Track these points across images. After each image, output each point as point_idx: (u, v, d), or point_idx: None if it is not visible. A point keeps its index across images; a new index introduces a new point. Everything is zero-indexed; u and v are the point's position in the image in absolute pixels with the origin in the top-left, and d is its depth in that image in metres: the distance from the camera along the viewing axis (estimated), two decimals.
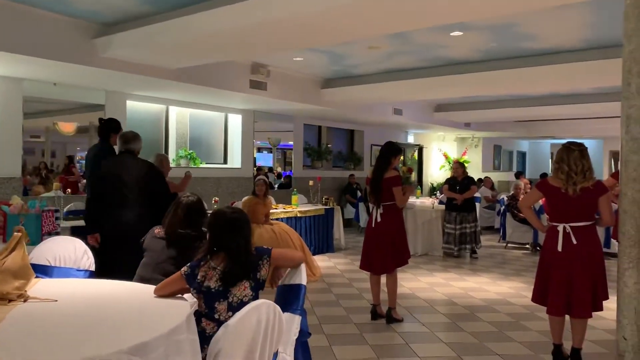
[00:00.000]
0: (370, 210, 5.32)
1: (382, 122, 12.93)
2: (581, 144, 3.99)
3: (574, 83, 8.77)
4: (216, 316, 2.52)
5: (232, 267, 2.53)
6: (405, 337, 4.70)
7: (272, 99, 8.93)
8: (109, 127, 5.31)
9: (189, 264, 2.62)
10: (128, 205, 4.45)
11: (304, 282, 2.59)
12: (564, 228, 3.90)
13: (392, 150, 5.24)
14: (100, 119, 5.50)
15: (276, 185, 12.62)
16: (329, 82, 9.68)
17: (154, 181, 4.64)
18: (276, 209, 8.23)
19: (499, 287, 6.71)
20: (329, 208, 9.19)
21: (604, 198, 3.90)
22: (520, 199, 9.10)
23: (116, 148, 5.10)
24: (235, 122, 10.56)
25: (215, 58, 6.84)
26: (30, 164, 8.51)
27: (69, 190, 8.19)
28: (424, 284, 6.87)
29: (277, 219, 7.72)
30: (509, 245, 10.08)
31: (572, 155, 3.90)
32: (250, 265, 2.57)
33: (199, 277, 2.54)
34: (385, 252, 5.10)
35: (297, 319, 2.51)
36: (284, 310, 2.53)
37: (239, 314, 1.80)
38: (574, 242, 3.87)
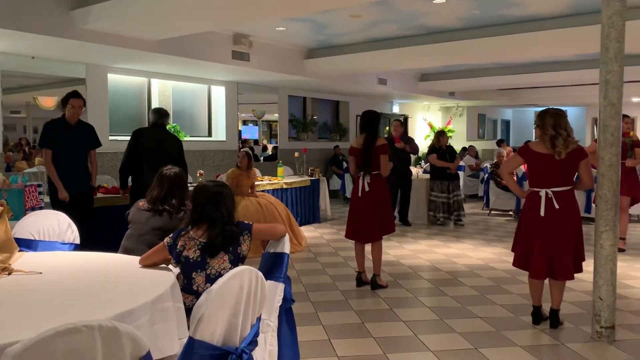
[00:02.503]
0: (357, 179, 5.29)
1: (367, 92, 12.90)
2: (561, 109, 4.04)
3: (557, 50, 8.79)
4: (194, 287, 2.56)
5: (213, 237, 2.56)
6: (390, 302, 4.80)
7: (255, 69, 8.86)
8: (64, 101, 5.20)
9: (171, 235, 2.66)
10: None
11: (286, 250, 2.63)
12: (546, 193, 3.97)
13: (376, 117, 5.30)
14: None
15: (262, 158, 12.62)
16: (312, 52, 9.61)
17: (181, 153, 5.58)
18: (262, 181, 8.25)
19: (482, 253, 6.84)
20: (315, 179, 9.22)
21: (585, 162, 3.97)
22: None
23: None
24: (219, 94, 10.47)
25: (195, 28, 6.73)
26: (12, 141, 8.42)
27: None
28: (408, 251, 6.98)
29: (263, 191, 7.74)
30: (492, 212, 10.23)
31: (561, 120, 3.94)
32: (231, 237, 2.60)
33: (178, 247, 2.58)
34: (374, 220, 5.15)
35: (281, 286, 2.56)
36: (268, 278, 2.58)
37: (221, 280, 1.83)
38: (556, 206, 3.94)
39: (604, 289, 3.88)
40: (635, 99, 16.81)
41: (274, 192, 8.11)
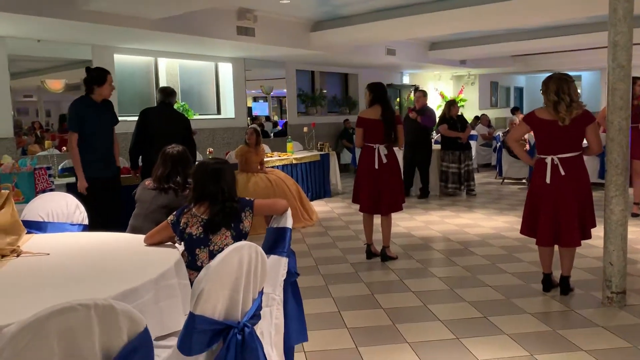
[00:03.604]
0: (368, 151, 5.21)
1: (376, 63, 12.74)
2: (567, 74, 3.95)
3: (569, 13, 8.55)
4: (199, 264, 2.58)
5: (214, 214, 2.57)
6: (399, 273, 4.82)
7: (261, 45, 8.78)
8: (90, 78, 4.78)
9: (174, 212, 2.67)
10: None
11: (289, 225, 2.64)
12: (552, 160, 3.92)
13: (385, 88, 5.29)
14: (87, 68, 5.02)
15: (272, 134, 12.60)
16: (318, 25, 9.48)
17: (190, 132, 5.62)
18: (271, 157, 8.25)
19: (494, 222, 6.81)
20: (325, 154, 9.20)
21: (592, 127, 3.90)
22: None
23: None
24: (226, 71, 10.42)
25: (198, 4, 6.67)
26: (26, 124, 8.52)
27: (64, 148, 8.22)
28: (419, 222, 6.97)
29: (272, 167, 7.74)
30: (505, 181, 10.15)
31: (572, 85, 3.87)
32: (232, 213, 2.61)
33: (181, 224, 2.60)
34: (395, 190, 5.16)
35: (284, 260, 2.57)
36: (271, 252, 2.60)
37: (220, 255, 1.84)
38: (562, 173, 3.89)
39: (614, 254, 3.84)
40: None
41: (283, 167, 8.11)
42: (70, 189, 5.53)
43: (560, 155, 3.90)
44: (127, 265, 2.46)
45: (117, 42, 8.06)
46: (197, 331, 1.79)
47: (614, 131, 3.78)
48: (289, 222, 2.65)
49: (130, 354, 1.44)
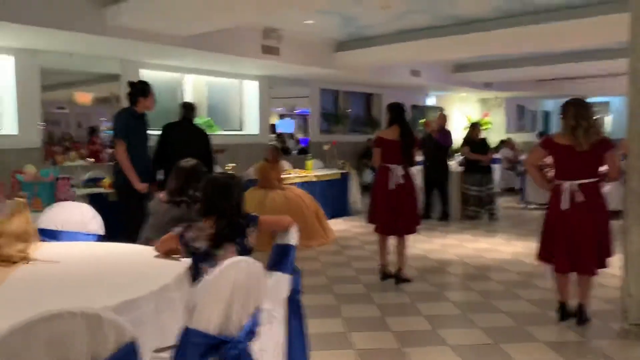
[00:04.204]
0: (384, 171, 5.19)
1: (399, 84, 12.76)
2: (584, 100, 3.90)
3: (592, 39, 8.46)
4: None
5: (221, 228, 2.59)
6: (412, 296, 4.76)
7: (285, 63, 8.89)
8: (135, 91, 5.04)
9: (182, 225, 2.70)
10: None
11: (293, 242, 2.64)
12: (570, 185, 3.85)
13: (404, 109, 5.37)
14: (129, 82, 5.26)
15: (295, 151, 12.67)
16: (342, 45, 9.56)
17: (209, 147, 5.71)
18: (290, 174, 8.29)
19: (513, 247, 6.70)
20: (345, 172, 9.21)
21: (610, 153, 3.83)
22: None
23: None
24: (252, 88, 10.56)
25: (225, 21, 6.79)
26: (57, 135, 8.77)
27: (92, 159, 8.40)
28: (436, 245, 6.90)
29: (292, 184, 7.78)
30: (528, 206, 9.98)
31: (583, 110, 3.82)
32: (238, 228, 2.63)
33: (187, 238, 2.62)
34: (411, 212, 5.16)
35: (287, 277, 2.57)
36: (274, 269, 2.60)
37: (216, 270, 1.85)
38: (580, 199, 3.82)
39: (632, 285, 3.74)
40: None
41: (303, 185, 8.13)
42: (93, 200, 5.66)
43: (578, 181, 3.84)
44: (132, 275, 2.49)
45: (144, 57, 8.26)
46: (191, 344, 1.80)
47: (634, 158, 3.70)
48: (293, 239, 2.65)
49: None
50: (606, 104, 20.29)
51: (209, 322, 1.84)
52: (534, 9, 7.34)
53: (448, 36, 8.33)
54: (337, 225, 8.17)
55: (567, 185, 3.86)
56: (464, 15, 7.75)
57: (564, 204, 3.86)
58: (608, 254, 3.91)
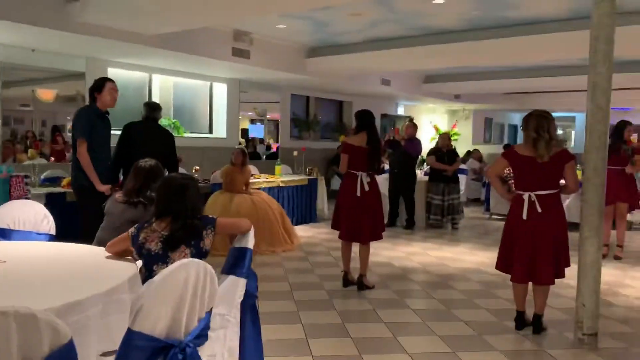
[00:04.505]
0: (350, 178, 5.16)
1: (370, 92, 12.84)
2: (547, 112, 3.97)
3: (561, 53, 8.67)
4: None
5: (175, 230, 2.53)
6: (374, 303, 4.75)
7: (255, 67, 8.83)
8: (92, 88, 4.87)
9: (135, 225, 2.63)
10: None
11: (250, 246, 2.60)
12: (529, 196, 3.91)
13: (372, 116, 5.31)
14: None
15: (264, 156, 12.61)
16: (314, 51, 9.57)
17: (173, 148, 5.55)
18: (258, 178, 8.23)
19: (476, 257, 6.76)
20: (313, 178, 9.18)
21: (570, 165, 3.91)
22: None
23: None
24: (221, 91, 10.47)
25: (194, 22, 6.73)
26: (20, 133, 8.53)
27: (52, 158, 8.19)
28: (400, 253, 6.92)
29: (259, 189, 7.71)
30: (492, 216, 10.12)
31: (551, 123, 3.89)
32: (193, 230, 2.57)
33: (140, 239, 2.55)
34: (376, 218, 5.17)
35: (242, 281, 2.53)
36: (230, 273, 2.55)
37: (164, 272, 1.80)
38: (539, 210, 3.88)
39: (586, 295, 3.81)
40: None
41: (270, 190, 8.08)
42: (50, 199, 5.51)
43: (537, 192, 3.89)
44: (79, 276, 2.42)
45: (111, 56, 8.10)
46: (134, 348, 1.74)
47: (590, 171, 3.78)
48: (250, 242, 2.61)
49: None
50: (572, 118, 20.81)
51: (155, 325, 1.78)
52: (502, 23, 7.47)
53: (418, 46, 8.41)
54: (304, 231, 8.14)
55: (526, 195, 3.91)
56: (434, 26, 7.85)
57: (524, 214, 3.91)
58: (565, 264, 3.97)
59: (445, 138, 9.08)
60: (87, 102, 5.20)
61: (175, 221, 2.56)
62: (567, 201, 8.10)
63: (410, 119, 9.82)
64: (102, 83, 4.83)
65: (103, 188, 4.68)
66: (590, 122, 3.77)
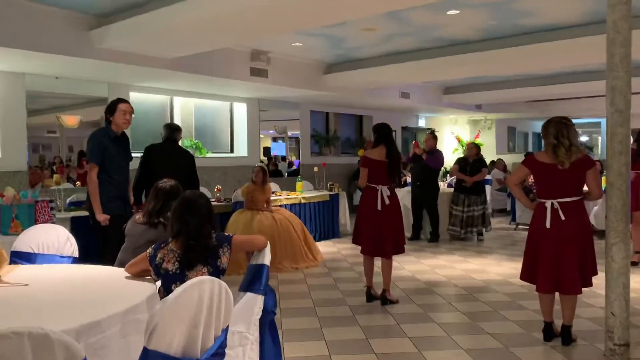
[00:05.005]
0: (371, 192, 5.13)
1: (389, 106, 12.83)
2: (567, 118, 3.91)
3: (579, 59, 8.55)
4: None
5: (190, 249, 2.55)
6: (398, 318, 4.69)
7: (274, 85, 8.93)
8: (106, 109, 4.76)
9: (153, 246, 2.66)
10: None
11: (266, 262, 2.60)
12: (552, 204, 3.84)
13: (390, 129, 5.30)
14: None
15: (286, 173, 12.67)
16: (331, 67, 9.63)
17: (194, 169, 5.66)
18: (279, 195, 8.25)
19: (502, 268, 6.64)
20: (334, 194, 9.18)
21: (592, 171, 3.83)
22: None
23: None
24: (241, 110, 10.59)
25: (211, 44, 6.84)
26: (48, 159, 8.77)
27: (79, 182, 8.36)
28: (425, 266, 6.84)
29: (280, 206, 7.74)
30: (519, 227, 9.95)
31: (571, 129, 3.83)
32: (209, 250, 2.58)
33: (157, 259, 2.57)
34: (397, 232, 5.15)
35: (260, 298, 2.52)
36: (247, 290, 2.55)
37: (178, 290, 1.81)
38: (562, 218, 3.80)
39: (616, 304, 3.69)
40: None
41: (291, 207, 8.10)
42: (76, 222, 5.61)
43: (560, 200, 3.82)
44: (98, 297, 2.44)
45: (132, 80, 8.28)
46: None
47: (614, 176, 3.69)
48: (267, 259, 2.61)
49: None
50: (597, 124, 20.44)
51: (171, 343, 1.79)
52: (518, 31, 7.42)
53: (435, 58, 8.40)
54: (326, 247, 8.11)
55: (549, 203, 3.84)
56: (449, 37, 7.83)
57: (547, 223, 3.83)
58: (592, 272, 3.87)
59: (470, 147, 9.00)
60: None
61: (189, 240, 2.57)
62: (595, 208, 7.93)
63: (432, 131, 9.76)
64: (113, 105, 4.68)
65: (102, 218, 4.50)
66: (610, 126, 3.69)
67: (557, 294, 3.94)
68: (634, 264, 6.44)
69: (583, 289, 3.86)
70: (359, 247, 5.26)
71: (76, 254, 3.50)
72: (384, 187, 5.09)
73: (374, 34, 7.51)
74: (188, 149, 6.80)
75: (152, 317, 1.75)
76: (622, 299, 3.67)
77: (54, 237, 3.50)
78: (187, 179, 5.26)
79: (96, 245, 4.65)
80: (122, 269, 2.91)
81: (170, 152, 5.61)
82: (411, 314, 4.84)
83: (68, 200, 6.52)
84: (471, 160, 8.71)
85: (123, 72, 7.36)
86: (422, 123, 15.69)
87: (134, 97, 8.73)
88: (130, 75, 7.69)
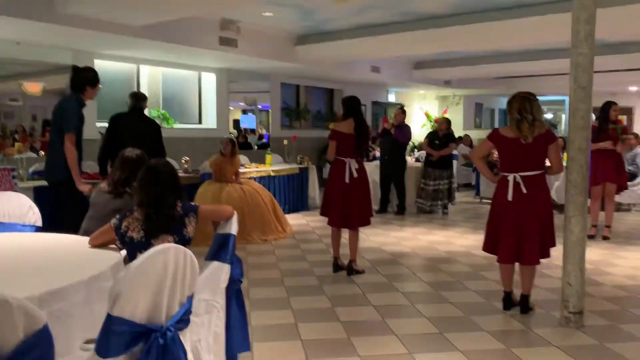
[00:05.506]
0: (340, 164, 5.18)
1: (360, 80, 12.81)
2: (531, 94, 3.99)
3: (548, 36, 8.64)
4: None
5: (153, 217, 2.54)
6: (363, 287, 4.78)
7: (244, 56, 8.80)
8: (83, 78, 4.72)
9: (118, 216, 2.64)
10: None
11: (233, 231, 2.61)
12: (514, 178, 3.94)
13: (359, 102, 5.32)
14: (75, 67, 4.96)
15: (256, 146, 12.61)
16: (302, 39, 9.53)
17: (160, 138, 5.52)
18: (249, 168, 8.23)
19: (465, 240, 6.81)
20: (304, 167, 9.19)
21: (554, 146, 3.93)
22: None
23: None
24: (210, 81, 10.44)
25: (179, 12, 6.67)
26: (10, 128, 8.52)
27: (42, 152, 8.16)
28: (391, 238, 6.96)
29: (250, 178, 7.72)
30: (483, 200, 10.16)
31: (535, 105, 3.90)
32: (174, 219, 2.58)
33: (122, 228, 2.56)
34: (365, 205, 5.21)
35: (226, 267, 2.54)
36: (213, 259, 2.56)
37: (142, 257, 1.81)
38: (524, 191, 3.91)
39: (572, 274, 3.84)
40: (633, 88, 16.62)
41: (261, 179, 8.08)
42: (39, 192, 5.49)
43: (522, 174, 3.92)
44: (62, 265, 2.43)
45: (98, 48, 8.05)
46: (114, 333, 1.75)
47: (574, 151, 3.80)
48: (233, 228, 2.62)
49: (27, 351, 1.40)
50: (562, 102, 20.83)
51: (135, 310, 1.80)
52: (488, 7, 7.46)
53: (405, 32, 8.39)
54: (295, 219, 8.16)
55: (511, 177, 3.94)
56: (420, 12, 7.82)
57: (509, 196, 3.93)
58: (551, 244, 4.01)
59: (440, 122, 9.11)
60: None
61: (156, 209, 2.56)
62: (557, 183, 8.16)
63: (401, 106, 9.82)
64: (98, 77, 4.77)
65: (86, 188, 4.51)
66: (573, 102, 3.79)
67: (516, 264, 4.07)
68: (590, 237, 6.67)
69: (542, 260, 4.00)
70: (327, 219, 5.31)
71: (39, 223, 3.46)
72: (352, 160, 5.13)
73: (346, 5, 7.44)
74: (155, 119, 6.72)
75: (115, 284, 1.75)
76: (578, 269, 3.82)
77: (15, 205, 3.44)
78: (153, 149, 5.19)
79: (60, 215, 4.59)
80: (83, 238, 2.89)
81: (136, 122, 5.52)
82: (376, 283, 4.94)
83: (31, 170, 6.36)
84: (441, 135, 8.82)
85: (88, 39, 7.15)
86: (392, 98, 15.74)
87: (100, 65, 8.49)
88: (95, 42, 7.48)
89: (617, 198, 7.39)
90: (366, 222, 5.26)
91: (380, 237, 6.96)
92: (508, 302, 4.16)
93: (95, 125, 8.15)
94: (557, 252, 4.10)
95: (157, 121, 9.29)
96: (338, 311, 4.14)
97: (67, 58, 8.00)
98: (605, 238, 6.73)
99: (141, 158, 3.52)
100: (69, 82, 4.82)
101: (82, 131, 4.74)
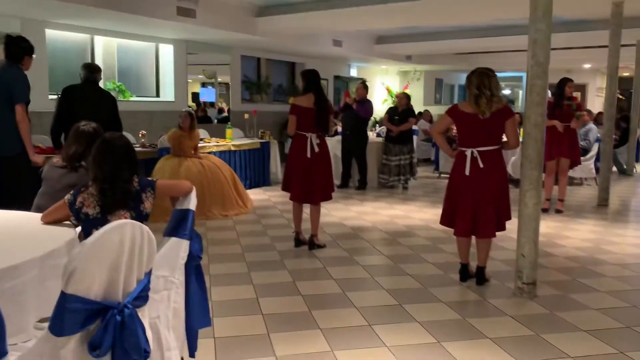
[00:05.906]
0: (300, 139, 5.14)
1: (322, 54, 12.71)
2: (490, 69, 4.04)
3: (508, 12, 8.74)
4: None
5: (108, 193, 2.48)
6: (324, 261, 4.83)
7: (202, 27, 8.58)
8: (23, 48, 4.55)
9: (72, 191, 2.56)
10: None
11: (192, 207, 2.56)
12: (472, 152, 4.00)
13: (318, 76, 5.28)
14: (9, 36, 4.66)
15: (216, 120, 12.41)
16: (263, 10, 9.36)
17: (115, 111, 5.41)
18: (208, 142, 8.11)
19: (424, 214, 6.93)
20: (265, 142, 9.12)
21: (511, 121, 4.01)
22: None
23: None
24: (167, 52, 10.15)
25: None
26: None
27: None
28: (352, 212, 7.02)
29: (210, 153, 7.61)
30: (441, 175, 10.34)
31: (493, 80, 3.95)
32: (130, 194, 2.52)
33: (77, 204, 2.49)
34: (326, 179, 5.21)
35: (185, 243, 2.49)
36: (172, 235, 2.51)
37: (97, 233, 1.76)
38: (481, 166, 3.98)
39: (526, 246, 3.97)
40: (587, 65, 17.09)
41: (221, 154, 7.97)
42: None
43: (479, 148, 3.99)
44: (14, 242, 2.35)
45: (49, 17, 7.70)
46: (69, 311, 1.70)
47: (530, 126, 3.89)
48: (192, 204, 2.57)
49: None
50: (519, 78, 21.25)
51: (90, 287, 1.75)
52: None
53: (367, 5, 8.33)
54: (257, 195, 8.13)
55: (469, 152, 4.01)
56: None
57: (466, 170, 4.01)
58: (506, 217, 4.12)
59: (400, 97, 9.15)
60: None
61: (111, 184, 2.49)
62: (513, 158, 8.36)
63: (363, 81, 9.82)
64: (33, 47, 4.63)
65: (40, 159, 4.45)
66: (530, 77, 3.86)
67: (473, 237, 4.17)
68: (544, 210, 6.90)
69: (497, 233, 4.11)
70: (289, 194, 5.30)
71: None
72: (313, 134, 5.11)
73: None
74: (110, 92, 6.52)
75: (70, 261, 1.70)
76: (532, 242, 3.95)
77: None
78: (108, 122, 5.04)
79: (11, 191, 4.43)
80: (35, 214, 2.80)
81: (90, 94, 5.34)
82: (337, 257, 4.99)
83: None
84: (400, 110, 8.87)
85: (38, 6, 6.83)
86: (354, 73, 15.71)
87: (51, 34, 8.16)
88: (46, 10, 7.15)
89: (570, 173, 7.62)
90: (328, 197, 5.28)
91: (342, 212, 7.01)
92: (464, 273, 4.28)
93: (47, 98, 7.85)
94: (512, 225, 4.22)
95: (113, 94, 9.05)
96: (299, 285, 4.17)
97: (15, 27, 7.62)
98: (558, 211, 6.96)
99: (97, 131, 3.42)
100: (4, 52, 4.56)
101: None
